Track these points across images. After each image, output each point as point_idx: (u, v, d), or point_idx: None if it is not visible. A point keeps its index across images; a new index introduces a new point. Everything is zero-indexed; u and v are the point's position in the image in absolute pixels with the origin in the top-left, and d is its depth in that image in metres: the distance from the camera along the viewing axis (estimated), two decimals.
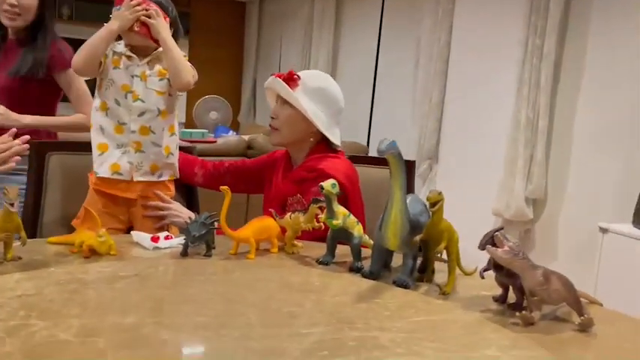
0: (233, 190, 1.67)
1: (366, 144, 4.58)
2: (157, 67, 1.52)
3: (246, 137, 3.70)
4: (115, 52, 1.50)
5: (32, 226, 1.46)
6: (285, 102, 1.46)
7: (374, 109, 4.75)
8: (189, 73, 1.49)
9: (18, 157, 1.25)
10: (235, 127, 6.90)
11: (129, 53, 1.51)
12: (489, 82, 3.42)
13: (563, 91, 2.95)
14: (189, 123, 6.88)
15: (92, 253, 1.07)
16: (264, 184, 1.58)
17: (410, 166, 1.76)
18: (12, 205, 0.95)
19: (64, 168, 1.54)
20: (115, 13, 1.48)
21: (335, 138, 1.50)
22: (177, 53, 1.47)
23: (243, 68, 7.51)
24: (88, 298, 0.78)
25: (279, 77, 1.45)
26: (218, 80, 7.24)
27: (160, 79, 1.51)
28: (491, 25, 3.42)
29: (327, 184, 1.10)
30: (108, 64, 1.50)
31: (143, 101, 1.46)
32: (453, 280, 1.02)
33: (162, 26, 1.47)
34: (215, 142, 3.51)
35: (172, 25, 1.54)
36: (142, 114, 1.46)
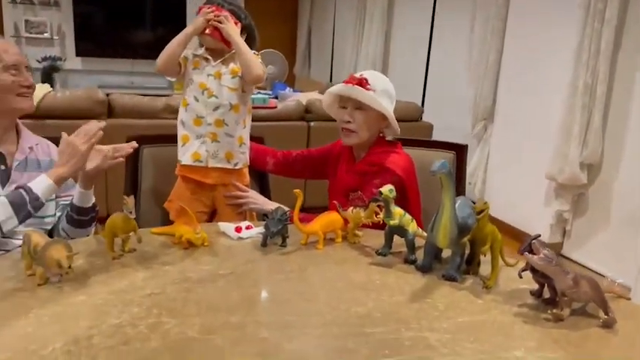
0: (300, 177, 1.89)
1: (420, 104, 4.63)
2: (230, 66, 1.70)
3: (304, 101, 3.85)
4: (195, 55, 1.70)
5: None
6: (358, 106, 1.59)
7: (429, 67, 4.75)
8: (260, 68, 1.66)
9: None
10: (291, 80, 7.02)
11: (206, 55, 1.70)
12: (548, 45, 3.39)
13: (623, 58, 2.91)
14: None
15: (190, 245, 1.30)
16: (329, 172, 1.76)
17: (461, 152, 1.89)
18: (130, 212, 1.18)
19: (155, 159, 1.78)
20: (193, 20, 1.66)
21: (398, 129, 1.64)
22: (247, 52, 1.64)
23: (297, 19, 7.54)
24: (200, 298, 1.01)
25: (351, 83, 1.57)
26: (273, 32, 7.32)
27: (233, 77, 1.70)
28: None
29: (385, 189, 1.27)
30: (189, 66, 1.70)
31: (217, 97, 1.66)
32: (496, 276, 1.18)
33: (232, 29, 1.63)
34: (275, 107, 3.69)
35: (245, 30, 1.70)
36: (216, 108, 1.67)
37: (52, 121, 3.05)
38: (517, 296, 1.11)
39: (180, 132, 1.72)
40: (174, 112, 3.19)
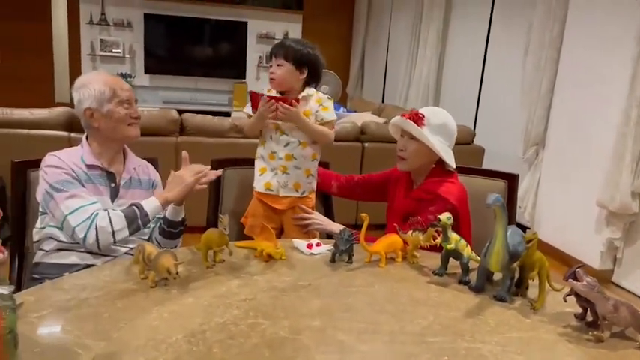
0: (361, 199, 2.08)
1: (472, 127, 4.73)
2: (300, 108, 1.90)
3: (358, 122, 4.04)
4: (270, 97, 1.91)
5: (214, 225, 1.93)
6: (412, 137, 1.77)
7: (482, 91, 4.86)
8: (327, 137, 1.93)
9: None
10: (344, 99, 7.23)
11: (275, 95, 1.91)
12: (601, 75, 3.46)
13: None
14: None
15: (270, 258, 1.50)
16: (387, 196, 1.94)
17: (512, 181, 2.02)
18: (225, 229, 1.40)
19: (236, 179, 2.01)
20: (258, 111, 1.87)
21: (452, 162, 1.80)
22: (312, 129, 1.89)
23: (352, 40, 7.77)
24: (285, 304, 1.20)
25: (407, 117, 1.76)
26: (328, 53, 7.51)
27: None
28: (606, 19, 3.43)
29: (444, 216, 1.43)
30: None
31: (287, 135, 1.88)
32: (543, 299, 1.32)
33: (293, 117, 1.85)
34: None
35: (307, 66, 1.90)
36: (286, 145, 1.89)
37: None
38: (562, 318, 1.25)
39: (259, 165, 1.95)
40: (239, 131, 3.46)
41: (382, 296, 1.30)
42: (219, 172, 1.69)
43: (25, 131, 3.29)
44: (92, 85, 1.62)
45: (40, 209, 1.61)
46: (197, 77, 7.20)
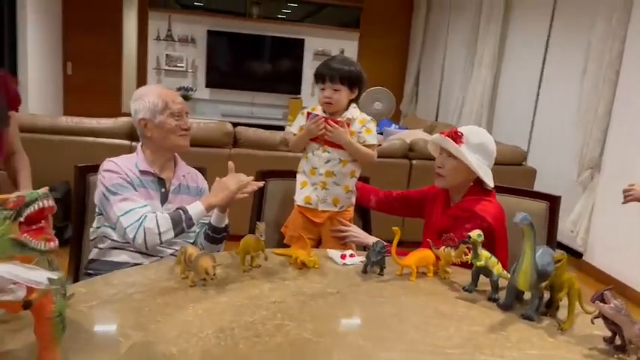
0: (399, 214, 2.11)
1: (526, 147, 4.65)
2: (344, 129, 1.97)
3: (408, 140, 4.07)
4: (314, 115, 2.00)
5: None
6: (450, 155, 1.80)
7: (537, 112, 4.77)
8: (369, 158, 2.00)
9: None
10: (397, 116, 7.25)
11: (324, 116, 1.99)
12: None
13: None
14: None
15: (303, 266, 1.56)
16: (425, 212, 1.97)
17: (554, 203, 2.00)
18: (261, 235, 1.48)
19: (278, 190, 2.10)
20: (306, 125, 1.98)
21: (490, 181, 1.81)
22: (356, 148, 1.97)
23: (408, 58, 7.80)
24: (312, 309, 1.26)
25: (445, 135, 1.79)
26: (383, 70, 7.64)
27: None
28: None
29: (474, 233, 1.46)
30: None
31: (329, 152, 1.95)
32: (571, 321, 1.32)
33: (340, 137, 1.93)
34: (380, 145, 3.94)
35: (359, 86, 1.97)
36: (327, 161, 1.96)
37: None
38: (589, 340, 1.24)
39: (301, 178, 2.03)
40: (287, 145, 3.57)
41: (408, 308, 1.34)
42: (261, 184, 1.78)
43: (92, 139, 3.54)
44: (147, 98, 1.75)
45: (97, 210, 1.75)
46: (254, 92, 7.43)
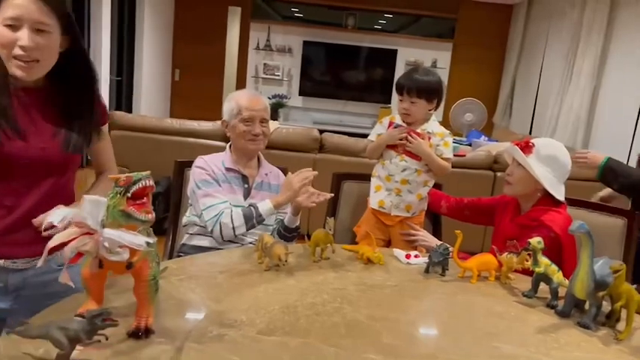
0: (469, 221, 2.16)
1: (626, 159, 4.43)
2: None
3: (494, 152, 4.04)
4: (397, 125, 2.11)
5: None
6: (519, 164, 1.84)
7: (638, 127, 4.52)
8: (444, 171, 2.09)
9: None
10: (489, 129, 7.13)
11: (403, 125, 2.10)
12: None
13: None
14: (444, 124, 7.40)
15: (368, 261, 1.68)
16: (495, 220, 2.01)
17: (631, 219, 1.97)
18: (330, 230, 1.62)
19: (353, 191, 2.23)
20: (388, 131, 2.11)
21: (559, 195, 1.82)
22: (432, 159, 2.06)
23: (503, 69, 7.63)
24: (370, 297, 1.38)
25: (517, 145, 1.84)
26: (477, 81, 7.55)
27: None
28: None
29: (534, 240, 1.50)
30: None
31: (406, 162, 2.05)
32: (628, 331, 1.32)
33: (421, 147, 2.03)
34: (464, 155, 3.95)
35: (437, 97, 2.06)
36: (404, 170, 2.06)
37: (275, 151, 3.77)
38: None
39: (376, 182, 2.15)
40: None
41: (462, 305, 1.41)
42: (328, 195, 1.89)
43: (192, 140, 3.88)
44: (230, 102, 1.97)
45: (189, 201, 1.98)
46: (346, 101, 7.63)
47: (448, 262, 1.66)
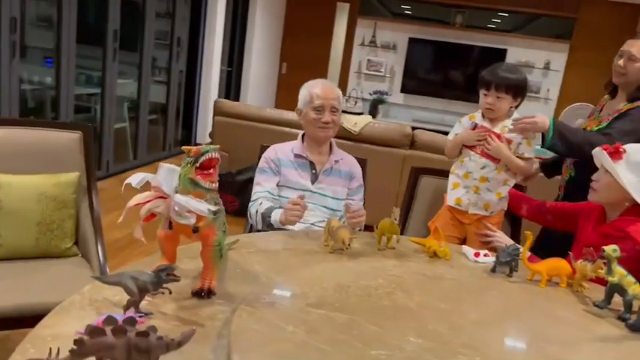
0: (550, 226, 2.08)
1: None
2: (503, 137, 2.01)
3: None
4: (476, 124, 2.07)
5: (402, 226, 2.20)
6: (607, 170, 1.74)
7: None
8: (525, 170, 2.06)
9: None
10: None
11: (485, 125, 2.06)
12: None
13: None
14: None
15: (434, 255, 1.69)
16: (578, 226, 1.91)
17: None
18: (395, 219, 1.65)
19: (430, 186, 2.23)
20: (466, 132, 2.08)
21: None
22: (511, 160, 2.01)
23: None
24: (425, 286, 1.40)
25: (606, 149, 1.73)
26: (593, 85, 7.00)
27: None
28: None
29: (609, 248, 1.42)
30: None
31: (486, 159, 2.01)
32: None
33: (498, 150, 1.99)
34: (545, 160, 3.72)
35: (522, 94, 2.00)
36: (483, 167, 2.02)
37: (367, 145, 3.83)
38: None
39: (453, 179, 2.13)
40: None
41: (520, 304, 1.39)
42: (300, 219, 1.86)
43: (287, 129, 4.04)
44: (303, 91, 2.06)
45: None
46: (449, 100, 7.47)
47: (517, 263, 1.62)
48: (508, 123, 2.02)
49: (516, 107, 2.06)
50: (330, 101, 2.05)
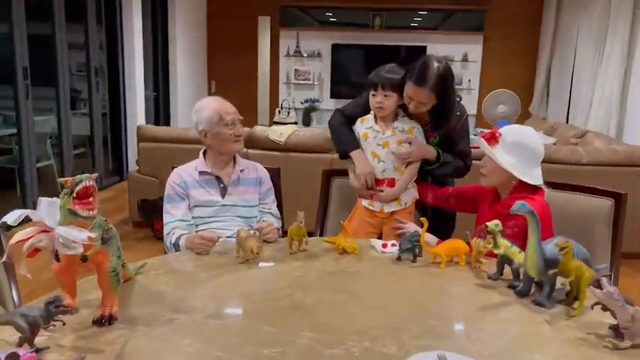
0: (454, 209, 2.19)
1: None
2: (397, 138, 2.12)
3: None
4: (367, 129, 2.17)
5: (322, 227, 2.26)
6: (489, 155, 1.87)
7: None
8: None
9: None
10: (524, 119, 6.95)
11: (377, 128, 2.15)
12: None
13: None
14: (477, 116, 7.30)
15: (344, 251, 1.75)
16: (477, 207, 2.03)
17: (619, 200, 1.96)
18: (301, 222, 1.71)
19: (343, 187, 2.30)
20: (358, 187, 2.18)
21: (532, 179, 1.83)
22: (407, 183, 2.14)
23: (537, 59, 7.44)
24: (325, 283, 1.46)
25: (483, 136, 1.86)
26: (510, 72, 7.40)
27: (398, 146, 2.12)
28: None
29: (492, 223, 1.53)
30: (361, 140, 2.19)
31: (384, 162, 2.11)
32: (580, 308, 1.34)
33: (388, 197, 2.12)
34: (477, 147, 3.90)
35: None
36: (383, 171, 2.11)
37: (294, 154, 3.89)
38: (592, 326, 1.26)
39: None
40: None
41: (412, 287, 1.48)
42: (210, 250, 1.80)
43: None
44: (204, 111, 2.07)
45: None
46: None
47: (420, 249, 1.71)
48: (397, 124, 2.12)
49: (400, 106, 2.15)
50: (237, 114, 2.12)
